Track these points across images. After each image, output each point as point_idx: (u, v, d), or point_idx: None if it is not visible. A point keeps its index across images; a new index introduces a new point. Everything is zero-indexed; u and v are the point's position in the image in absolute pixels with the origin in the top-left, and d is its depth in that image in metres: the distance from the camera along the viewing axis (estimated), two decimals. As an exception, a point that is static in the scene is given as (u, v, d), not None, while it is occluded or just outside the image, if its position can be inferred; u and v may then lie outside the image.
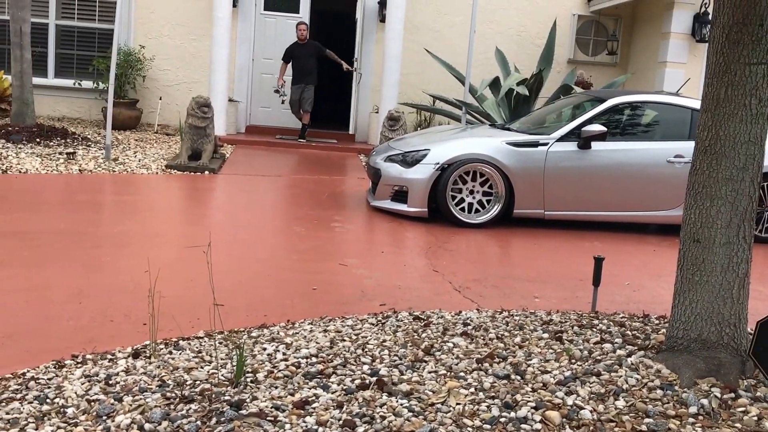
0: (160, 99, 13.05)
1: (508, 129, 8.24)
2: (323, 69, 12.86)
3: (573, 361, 3.52)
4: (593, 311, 4.56)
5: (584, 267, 5.93)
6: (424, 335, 3.91)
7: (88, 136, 10.88)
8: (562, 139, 7.44)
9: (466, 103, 10.97)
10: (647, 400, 3.11)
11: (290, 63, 12.30)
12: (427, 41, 13.44)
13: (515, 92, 10.88)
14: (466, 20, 13.01)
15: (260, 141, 12.43)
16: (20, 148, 9.45)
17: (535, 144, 7.42)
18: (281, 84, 12.40)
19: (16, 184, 7.72)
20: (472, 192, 7.39)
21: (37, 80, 11.62)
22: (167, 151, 10.59)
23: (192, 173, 9.23)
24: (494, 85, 11.38)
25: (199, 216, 7.20)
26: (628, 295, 5.28)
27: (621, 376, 3.31)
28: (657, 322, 4.30)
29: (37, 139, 9.92)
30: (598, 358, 3.55)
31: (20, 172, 8.31)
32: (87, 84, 12.70)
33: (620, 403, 3.07)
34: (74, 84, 12.79)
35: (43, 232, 5.92)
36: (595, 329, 4.04)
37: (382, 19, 13.08)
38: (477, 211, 7.40)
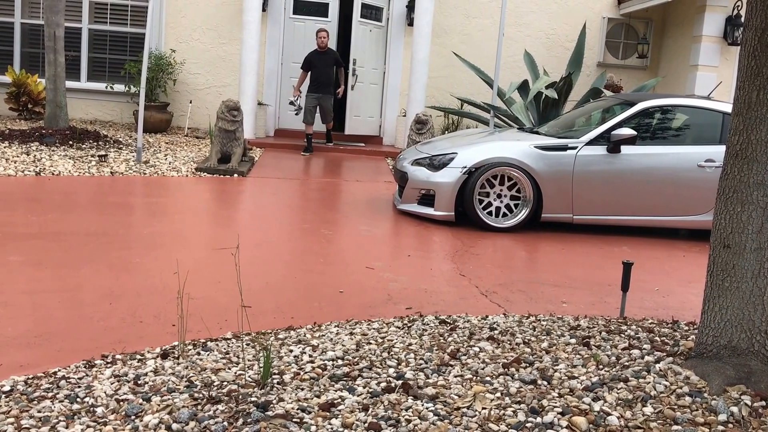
0: (191, 102, 13.18)
1: (537, 132, 8.20)
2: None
3: (600, 366, 3.50)
4: (621, 317, 4.52)
5: (613, 272, 5.89)
6: (450, 339, 3.91)
7: (120, 139, 11.02)
8: (591, 142, 7.40)
9: (494, 106, 10.94)
10: (676, 407, 3.08)
11: (309, 72, 11.92)
12: (455, 45, 13.43)
13: (544, 95, 10.83)
14: (494, 23, 13.00)
15: (289, 144, 12.50)
16: (53, 150, 9.60)
17: (564, 148, 7.37)
18: (297, 96, 11.91)
19: (50, 186, 7.85)
20: (499, 196, 7.37)
21: (70, 84, 11.80)
22: (197, 154, 10.69)
23: (221, 176, 9.31)
24: (523, 88, 11.35)
25: (227, 218, 7.26)
26: (657, 301, 5.23)
27: (649, 382, 3.28)
28: (686, 328, 4.25)
29: (70, 142, 10.07)
30: (626, 364, 3.52)
31: (53, 174, 8.45)
32: (119, 87, 12.87)
33: (648, 410, 3.04)
34: (106, 87, 12.97)
35: (75, 233, 6.01)
36: (623, 335, 4.01)
37: (410, 23, 13.10)
38: (504, 215, 7.37)
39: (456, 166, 7.36)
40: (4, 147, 9.47)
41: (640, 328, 4.16)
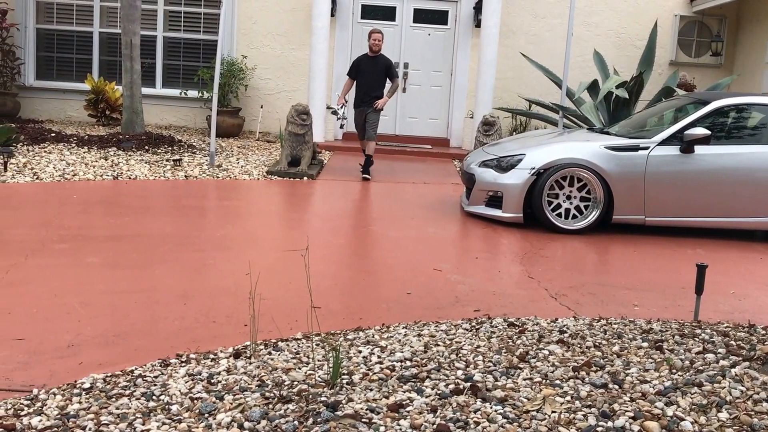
0: (261, 107, 13.43)
1: (607, 133, 8.07)
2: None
3: (673, 371, 3.43)
4: (695, 320, 4.41)
5: (686, 275, 5.75)
6: (519, 342, 3.88)
7: (194, 144, 11.30)
8: (663, 142, 7.24)
9: (563, 107, 10.80)
10: (752, 413, 3.00)
11: (356, 80, 10.19)
12: (523, 45, 13.31)
13: (614, 95, 10.64)
14: (563, 23, 12.84)
15: (357, 147, 12.54)
16: (130, 155, 9.91)
17: (636, 148, 7.23)
18: (342, 105, 10.21)
19: (126, 190, 8.11)
20: (569, 197, 7.28)
21: (146, 90, 12.16)
22: (268, 157, 10.88)
23: (291, 179, 9.46)
24: (592, 88, 11.17)
25: (297, 220, 7.37)
26: (733, 304, 5.08)
27: (724, 387, 3.20)
28: (763, 332, 4.12)
29: (146, 147, 10.38)
30: (700, 368, 3.44)
31: (130, 178, 8.73)
32: (192, 93, 13.20)
33: (723, 416, 2.96)
34: (180, 93, 13.32)
35: (150, 235, 6.20)
36: (697, 339, 3.92)
37: (478, 24, 13.05)
38: (574, 216, 7.27)
39: (524, 168, 7.30)
40: (84, 152, 9.83)
41: (714, 332, 4.05)
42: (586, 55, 13.08)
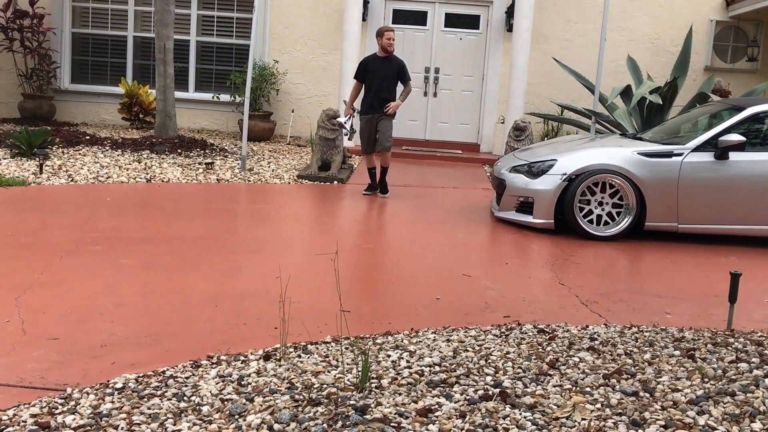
0: (293, 112, 13.50)
1: (640, 139, 7.99)
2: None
3: (706, 379, 3.38)
4: (729, 329, 4.35)
5: (719, 283, 5.66)
6: (548, 348, 3.86)
7: (225, 147, 11.40)
8: (697, 149, 7.15)
9: (595, 112, 10.72)
10: (788, 424, 2.95)
11: (363, 83, 8.94)
12: (555, 50, 13.24)
13: (647, 101, 10.53)
14: (595, 28, 12.75)
15: (387, 152, 12.61)
16: (163, 158, 10.03)
17: (669, 154, 7.16)
18: (349, 116, 9.03)
19: (159, 193, 8.21)
20: (600, 204, 7.22)
21: (178, 94, 12.28)
22: (299, 161, 10.94)
23: (322, 183, 9.51)
24: (625, 93, 11.07)
25: (327, 224, 7.40)
26: (767, 313, 5.01)
27: (758, 397, 3.15)
28: (800, 343, 4.05)
29: (179, 150, 10.49)
30: (733, 377, 3.39)
31: (163, 181, 8.83)
32: (224, 97, 13.32)
33: (757, 426, 2.92)
34: (213, 97, 13.44)
35: (183, 237, 6.26)
36: (730, 348, 3.86)
37: (509, 29, 13.00)
38: (606, 223, 7.21)
39: (556, 173, 7.25)
40: (117, 155, 9.97)
41: (748, 341, 3.99)
42: (619, 60, 12.96)
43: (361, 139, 9.00)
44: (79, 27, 13.82)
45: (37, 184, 8.16)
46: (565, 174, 7.20)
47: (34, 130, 9.90)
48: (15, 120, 12.79)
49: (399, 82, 8.91)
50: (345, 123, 9.05)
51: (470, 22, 13.43)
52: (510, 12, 12.95)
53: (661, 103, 10.43)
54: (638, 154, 7.16)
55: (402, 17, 13.45)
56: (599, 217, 7.21)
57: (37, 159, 8.99)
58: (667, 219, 7.16)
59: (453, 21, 13.45)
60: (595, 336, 4.10)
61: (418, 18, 13.43)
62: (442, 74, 13.51)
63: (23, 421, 2.91)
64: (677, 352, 3.77)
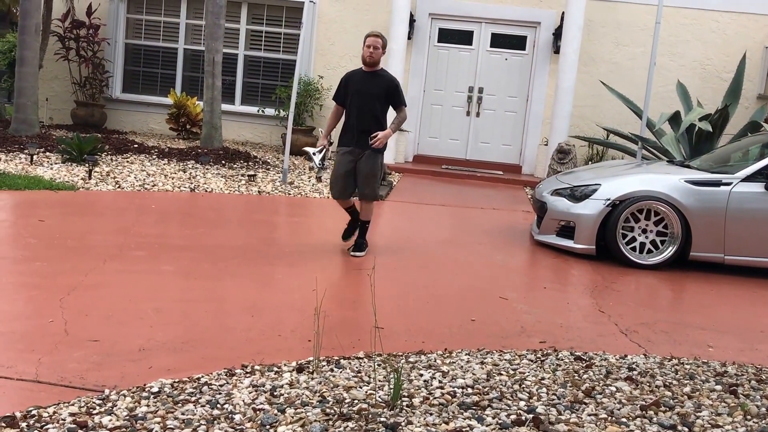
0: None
1: (688, 166, 7.86)
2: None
3: (749, 417, 3.29)
4: (774, 365, 4.23)
5: (765, 318, 5.52)
6: (585, 376, 3.79)
7: (268, 160, 11.50)
8: (747, 179, 6.99)
9: (642, 137, 10.58)
10: (833, 467, 2.85)
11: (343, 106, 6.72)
12: (602, 73, 13.13)
13: (697, 128, 10.36)
14: (645, 52, 12.63)
15: (426, 170, 12.61)
16: (207, 169, 10.16)
17: (718, 183, 7.02)
18: (322, 146, 6.88)
19: (202, 202, 8.31)
20: (644, 231, 7.10)
21: (225, 107, 12.48)
22: (339, 176, 10.97)
23: (361, 199, 9.52)
24: (674, 119, 10.91)
25: (365, 240, 7.39)
26: (816, 351, 4.85)
27: (803, 437, 3.05)
28: None
29: (223, 161, 10.62)
30: (777, 416, 3.29)
31: (206, 191, 8.94)
32: (269, 111, 13.46)
33: (801, 467, 2.83)
34: (258, 111, 13.60)
35: (223, 247, 6.32)
36: (775, 385, 3.75)
37: (557, 51, 12.93)
38: (649, 251, 7.08)
39: (599, 198, 7.16)
40: (164, 164, 10.13)
41: (794, 379, 3.88)
42: (668, 86, 12.80)
43: (331, 177, 6.60)
44: (132, 38, 14.12)
45: (86, 190, 8.32)
46: (608, 199, 7.10)
47: (85, 137, 10.12)
48: (67, 126, 13.12)
49: (390, 107, 6.58)
50: (314, 155, 6.86)
51: (517, 42, 13.40)
52: (558, 34, 12.89)
53: (711, 130, 10.25)
54: (685, 182, 7.04)
55: (448, 36, 13.47)
56: (642, 244, 7.09)
57: (87, 165, 9.17)
58: (713, 250, 7.01)
59: (499, 41, 13.43)
60: (634, 366, 4.02)
61: (464, 37, 13.43)
62: (485, 94, 13.48)
63: (62, 419, 2.97)
64: (719, 387, 3.68)
